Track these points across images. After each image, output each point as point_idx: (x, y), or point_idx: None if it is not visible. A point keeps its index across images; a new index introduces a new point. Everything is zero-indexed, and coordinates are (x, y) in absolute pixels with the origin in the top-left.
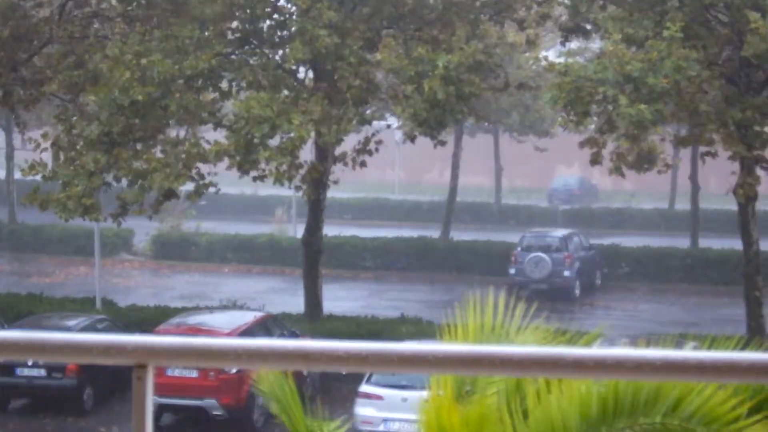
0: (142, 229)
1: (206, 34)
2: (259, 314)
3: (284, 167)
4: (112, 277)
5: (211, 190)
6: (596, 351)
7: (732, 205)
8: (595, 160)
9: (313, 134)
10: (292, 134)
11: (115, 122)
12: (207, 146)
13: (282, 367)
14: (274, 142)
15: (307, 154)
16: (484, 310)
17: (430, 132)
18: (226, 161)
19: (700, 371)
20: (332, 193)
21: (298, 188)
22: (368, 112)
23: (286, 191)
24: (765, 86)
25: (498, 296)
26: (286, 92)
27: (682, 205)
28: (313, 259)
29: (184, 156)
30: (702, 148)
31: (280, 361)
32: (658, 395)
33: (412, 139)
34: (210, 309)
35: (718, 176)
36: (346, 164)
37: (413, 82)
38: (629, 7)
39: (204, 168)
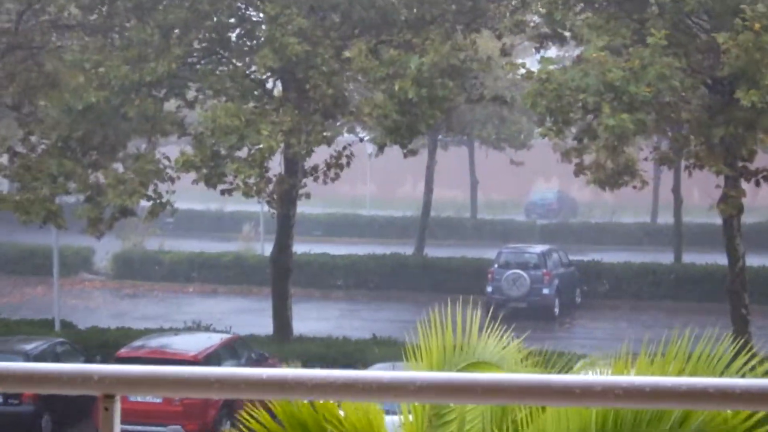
0: (103, 247)
1: (169, 41)
2: (225, 336)
3: (252, 180)
4: (72, 298)
5: (168, 209)
6: (583, 378)
7: (717, 219)
8: (580, 171)
9: (282, 146)
10: (260, 145)
11: (75, 128)
12: (166, 162)
13: (257, 396)
14: (242, 154)
15: (276, 167)
16: (446, 329)
17: (401, 140)
18: (192, 176)
19: (691, 398)
20: (302, 209)
21: (268, 203)
22: (338, 124)
23: (253, 207)
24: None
25: (462, 314)
26: (253, 103)
27: (665, 218)
28: (282, 278)
29: (136, 173)
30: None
31: (254, 390)
32: (662, 411)
33: (381, 147)
34: (174, 331)
35: (702, 188)
36: (316, 179)
37: (383, 83)
38: (607, 15)
39: (162, 186)
